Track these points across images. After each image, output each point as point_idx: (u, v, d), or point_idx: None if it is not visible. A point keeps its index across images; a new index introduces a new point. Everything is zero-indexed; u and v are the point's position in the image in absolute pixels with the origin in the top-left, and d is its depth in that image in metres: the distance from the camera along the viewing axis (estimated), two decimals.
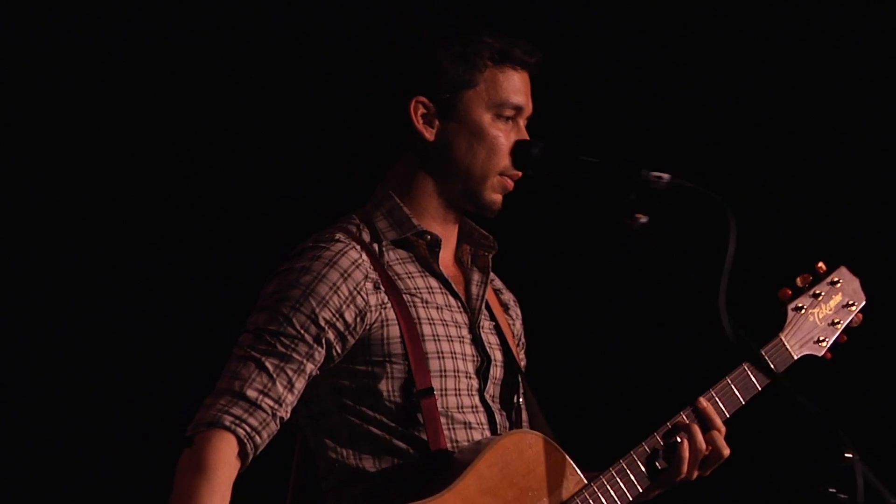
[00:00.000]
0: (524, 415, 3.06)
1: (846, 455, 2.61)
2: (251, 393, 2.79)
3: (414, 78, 2.89)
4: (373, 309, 2.87)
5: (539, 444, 2.92)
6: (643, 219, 2.73)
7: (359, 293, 2.86)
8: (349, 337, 2.85)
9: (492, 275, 3.09)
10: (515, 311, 3.21)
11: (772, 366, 3.10)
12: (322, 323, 2.82)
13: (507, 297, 3.21)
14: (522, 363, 3.15)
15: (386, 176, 2.98)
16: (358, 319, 2.85)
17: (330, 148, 4.69)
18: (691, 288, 2.64)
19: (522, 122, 2.96)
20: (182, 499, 2.73)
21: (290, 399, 2.81)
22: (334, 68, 4.68)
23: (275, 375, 2.80)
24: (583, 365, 4.95)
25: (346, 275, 2.85)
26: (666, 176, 2.75)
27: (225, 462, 2.76)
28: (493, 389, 3.00)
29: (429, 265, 2.97)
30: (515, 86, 2.92)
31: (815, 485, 2.79)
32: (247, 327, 2.86)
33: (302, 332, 2.82)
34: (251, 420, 2.78)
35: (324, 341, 2.83)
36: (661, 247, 2.69)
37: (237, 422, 2.77)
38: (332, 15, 4.73)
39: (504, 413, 3.01)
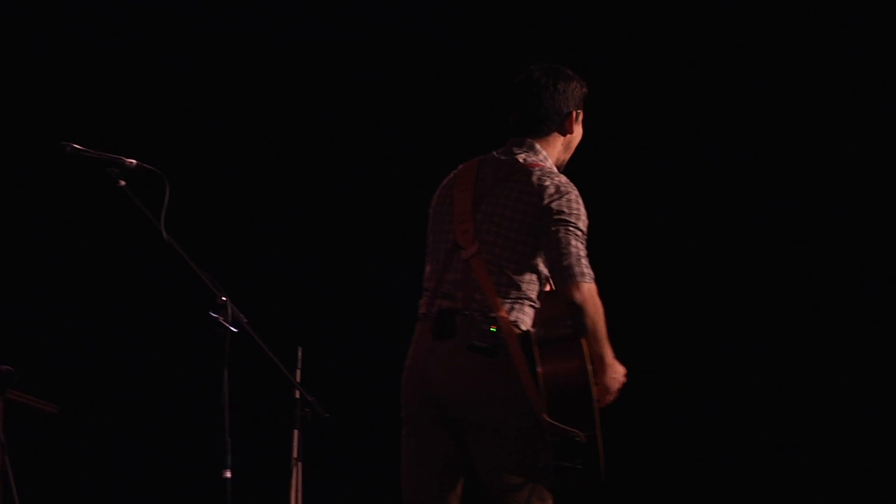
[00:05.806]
0: None
1: (221, 298, 4.28)
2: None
3: (580, 100, 4.88)
4: None
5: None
6: (122, 183, 4.39)
7: None
8: None
9: None
10: None
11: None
12: None
13: None
14: None
15: (537, 140, 4.85)
16: None
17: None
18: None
19: None
20: (600, 319, 4.62)
21: None
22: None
23: None
24: None
25: None
26: (133, 161, 4.42)
27: None
28: None
29: None
30: None
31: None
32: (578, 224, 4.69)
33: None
34: None
35: None
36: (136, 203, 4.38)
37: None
38: None
39: None
